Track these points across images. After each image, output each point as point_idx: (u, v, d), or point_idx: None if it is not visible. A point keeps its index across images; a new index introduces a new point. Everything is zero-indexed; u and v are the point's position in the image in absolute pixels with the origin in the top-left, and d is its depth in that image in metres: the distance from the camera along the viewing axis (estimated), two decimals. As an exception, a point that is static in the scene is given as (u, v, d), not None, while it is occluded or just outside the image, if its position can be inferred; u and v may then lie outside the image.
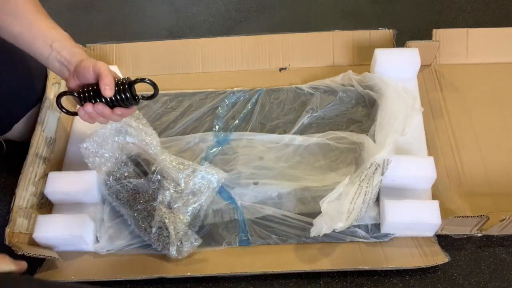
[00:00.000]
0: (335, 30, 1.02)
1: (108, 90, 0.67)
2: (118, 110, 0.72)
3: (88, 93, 0.70)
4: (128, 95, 0.70)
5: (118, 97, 0.70)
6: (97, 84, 0.69)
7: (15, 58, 0.89)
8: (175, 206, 0.81)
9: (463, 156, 0.88)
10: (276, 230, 0.82)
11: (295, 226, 0.82)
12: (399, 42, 1.01)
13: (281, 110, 0.95)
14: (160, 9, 1.22)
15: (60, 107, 0.74)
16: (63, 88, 0.98)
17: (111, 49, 1.03)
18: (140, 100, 0.73)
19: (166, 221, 0.79)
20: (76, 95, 0.72)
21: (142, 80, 0.71)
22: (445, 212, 0.79)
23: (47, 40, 0.70)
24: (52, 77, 0.97)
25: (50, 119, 0.94)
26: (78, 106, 0.73)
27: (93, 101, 0.70)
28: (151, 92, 0.72)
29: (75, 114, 0.74)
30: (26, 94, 0.94)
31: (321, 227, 0.74)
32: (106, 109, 0.71)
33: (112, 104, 0.71)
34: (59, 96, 0.74)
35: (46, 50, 0.70)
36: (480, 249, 0.80)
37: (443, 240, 0.80)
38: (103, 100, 0.70)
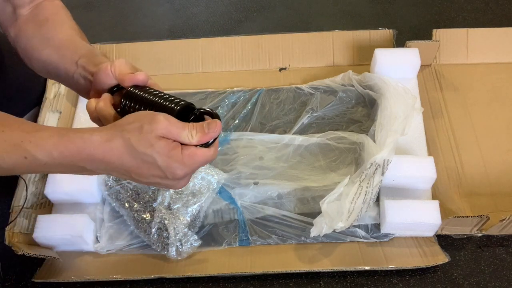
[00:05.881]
0: (335, 30, 1.02)
1: (141, 74, 0.57)
2: None
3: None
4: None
5: None
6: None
7: (14, 59, 0.89)
8: (175, 207, 0.81)
9: (463, 156, 0.88)
10: (276, 230, 0.82)
11: (295, 226, 0.82)
12: (399, 42, 1.01)
13: (281, 110, 0.95)
14: (160, 9, 1.22)
15: None
16: (63, 88, 0.97)
17: (111, 49, 1.03)
18: None
19: (166, 222, 0.79)
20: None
21: (205, 112, 0.55)
22: (445, 212, 0.80)
23: (74, 58, 0.62)
24: (52, 77, 0.97)
25: (50, 119, 0.94)
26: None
27: None
28: None
29: None
30: (26, 94, 0.94)
31: (321, 227, 0.74)
32: None
33: None
34: None
35: (71, 68, 0.61)
36: (480, 249, 0.80)
37: (443, 240, 0.80)
38: None
